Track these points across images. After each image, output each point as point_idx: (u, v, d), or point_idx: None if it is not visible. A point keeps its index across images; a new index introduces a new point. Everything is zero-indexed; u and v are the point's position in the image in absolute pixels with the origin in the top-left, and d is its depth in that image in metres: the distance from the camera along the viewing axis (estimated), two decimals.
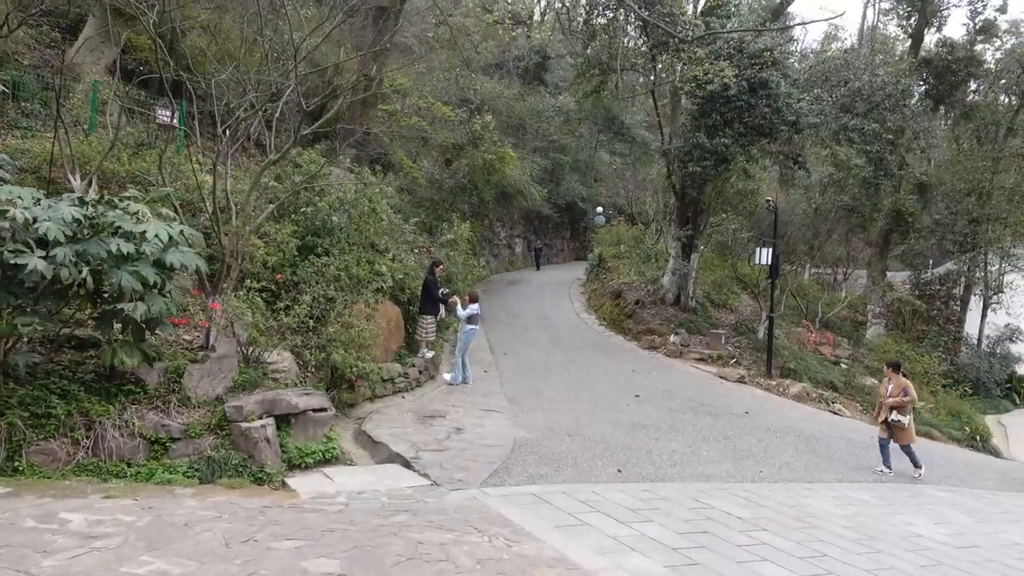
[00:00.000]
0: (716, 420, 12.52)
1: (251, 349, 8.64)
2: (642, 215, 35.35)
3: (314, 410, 8.19)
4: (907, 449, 10.48)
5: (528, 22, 44.05)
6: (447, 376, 13.34)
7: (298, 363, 9.73)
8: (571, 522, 6.30)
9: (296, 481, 7.24)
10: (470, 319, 13.41)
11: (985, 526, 7.98)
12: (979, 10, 24.39)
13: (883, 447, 10.58)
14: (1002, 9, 24.28)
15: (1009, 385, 23.29)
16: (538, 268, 34.21)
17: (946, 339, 24.09)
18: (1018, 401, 23.19)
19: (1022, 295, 23.77)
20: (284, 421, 7.90)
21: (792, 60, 17.95)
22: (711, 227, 23.54)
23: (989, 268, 23.89)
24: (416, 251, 16.30)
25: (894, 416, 10.35)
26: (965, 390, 21.25)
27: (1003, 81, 24.54)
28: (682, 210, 21.48)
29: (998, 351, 24.12)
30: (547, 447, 9.20)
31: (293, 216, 11.81)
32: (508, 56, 41.54)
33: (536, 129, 38.71)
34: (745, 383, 16.95)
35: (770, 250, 17.48)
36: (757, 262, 18.36)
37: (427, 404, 11.48)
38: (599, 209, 37.53)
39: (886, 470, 10.37)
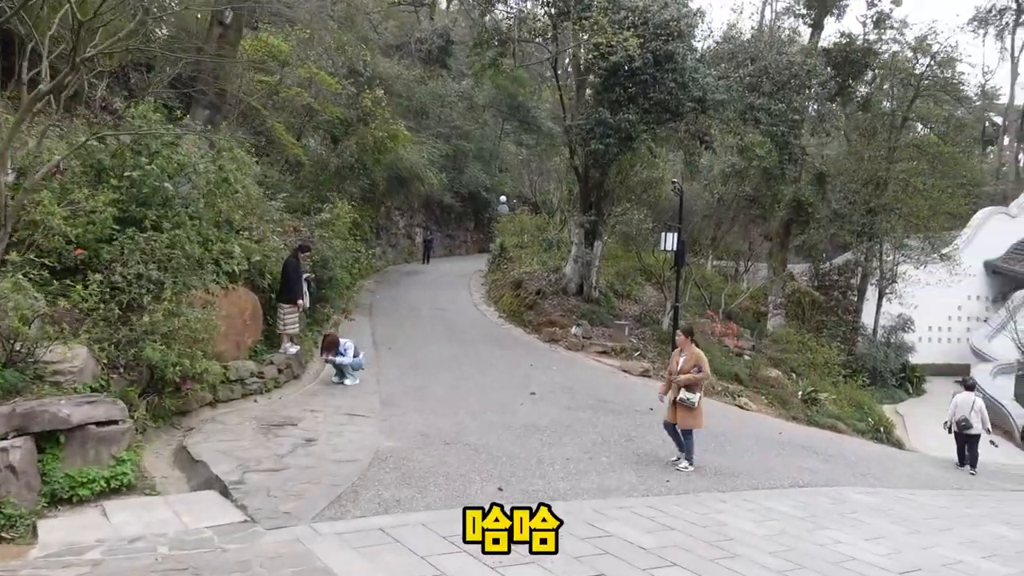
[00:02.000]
0: (618, 419, 11.24)
1: (15, 344, 6.53)
2: (546, 204, 34.22)
3: (98, 423, 6.20)
4: (687, 435, 8.84)
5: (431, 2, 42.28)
6: (348, 381, 11.46)
7: (101, 362, 7.65)
8: (424, 573, 4.69)
9: (53, 524, 5.27)
10: (353, 355, 11.62)
11: (918, 538, 6.94)
12: (875, 1, 24.46)
13: (672, 433, 8.97)
14: (896, 1, 24.46)
15: (903, 374, 23.48)
16: (426, 261, 32.11)
17: (844, 329, 24.06)
18: (911, 390, 23.40)
19: (914, 285, 24.03)
20: (51, 440, 5.89)
21: (698, 34, 16.96)
22: (615, 217, 22.57)
23: (884, 258, 24.00)
24: (284, 231, 14.27)
25: (683, 395, 8.63)
26: (863, 380, 21.10)
27: (886, 86, 24.70)
28: (585, 194, 20.27)
29: (892, 340, 24.32)
30: (415, 460, 7.54)
31: (114, 182, 9.62)
32: (410, 38, 39.67)
33: (438, 115, 37.05)
34: (649, 376, 15.85)
35: (676, 235, 16.48)
36: (663, 248, 17.36)
37: (280, 409, 9.59)
38: (503, 198, 36.14)
39: (689, 467, 8.77)
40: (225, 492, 6.17)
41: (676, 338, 9.54)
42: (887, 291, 23.91)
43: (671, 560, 5.38)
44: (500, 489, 6.87)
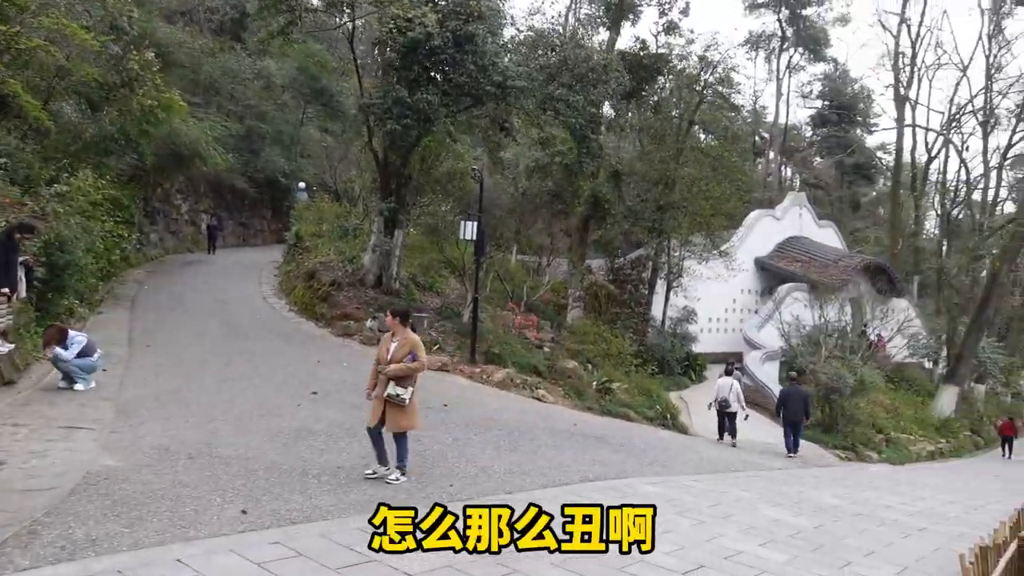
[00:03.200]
0: None
1: None
2: (348, 193, 32.59)
3: None
4: (401, 439, 7.23)
5: None
6: (79, 386, 9.37)
7: None
8: None
9: None
10: (83, 353, 9.52)
11: (702, 530, 6.78)
12: (666, 11, 25.81)
13: (376, 439, 7.24)
14: (685, 12, 25.98)
15: (687, 363, 24.97)
16: (212, 251, 29.05)
17: (636, 321, 25.12)
18: (694, 377, 24.95)
19: (697, 279, 25.68)
20: None
21: (499, 20, 16.51)
22: (421, 208, 21.74)
23: (672, 254, 25.40)
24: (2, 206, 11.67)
25: (393, 390, 6.97)
26: (653, 369, 22.08)
27: (675, 99, 26.23)
28: (385, 180, 19.15)
29: (678, 331, 25.81)
30: (139, 482, 6.08)
31: None
32: (199, 4, 36.22)
33: (230, 91, 34.07)
34: (448, 371, 15.20)
35: (475, 224, 15.94)
36: (462, 236, 16.77)
37: None
38: (301, 185, 33.84)
39: (382, 469, 7.23)
40: None
41: (385, 320, 7.66)
42: (674, 285, 25.31)
43: None
44: (244, 512, 5.65)
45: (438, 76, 15.67)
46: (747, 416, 15.61)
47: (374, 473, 7.18)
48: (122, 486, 5.91)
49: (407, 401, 7.07)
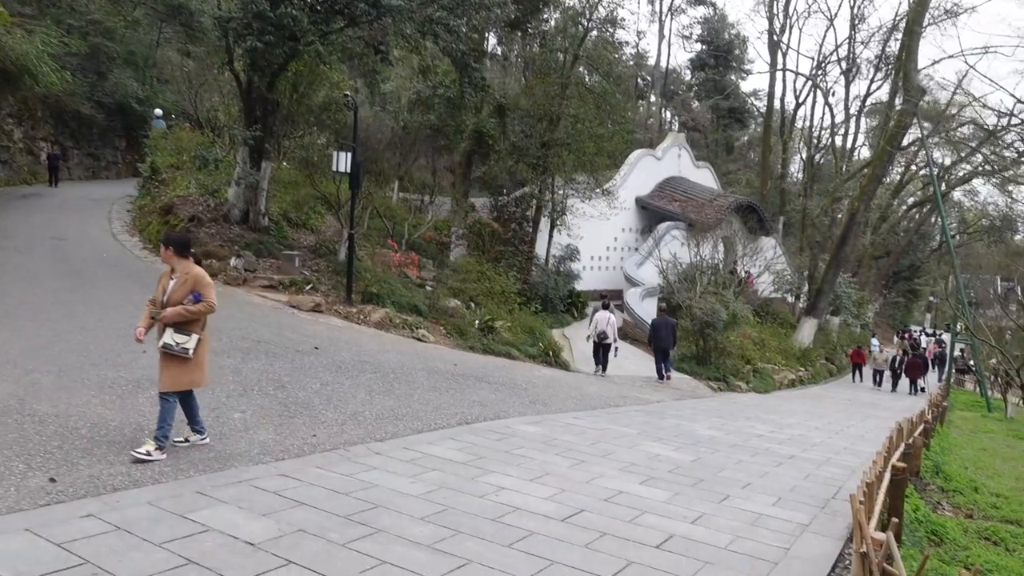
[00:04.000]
0: (273, 363, 9.50)
1: None
2: (212, 122, 29.93)
3: None
4: (168, 400, 5.58)
5: None
6: None
7: None
8: None
9: None
10: None
11: (581, 471, 6.51)
12: None
13: (187, 410, 5.88)
14: None
15: (570, 300, 25.11)
16: (54, 183, 26.22)
17: (520, 259, 24.86)
18: (576, 315, 25.18)
19: (580, 217, 25.66)
20: None
21: None
22: (293, 139, 20.15)
23: (556, 191, 25.14)
24: None
25: (170, 338, 5.56)
26: (536, 307, 21.99)
27: (559, 38, 25.58)
28: (249, 106, 17.48)
29: (562, 269, 25.83)
30: None
31: None
32: None
33: (70, 4, 30.22)
34: (321, 312, 14.30)
35: (349, 155, 14.82)
36: (334, 168, 15.61)
37: None
38: (158, 112, 30.71)
39: (195, 436, 5.94)
40: None
41: (161, 253, 5.95)
42: (557, 223, 25.14)
43: (285, 557, 3.93)
44: (52, 480, 4.76)
45: None
46: (617, 348, 16.70)
47: (186, 440, 5.87)
48: None
49: (190, 351, 5.60)
